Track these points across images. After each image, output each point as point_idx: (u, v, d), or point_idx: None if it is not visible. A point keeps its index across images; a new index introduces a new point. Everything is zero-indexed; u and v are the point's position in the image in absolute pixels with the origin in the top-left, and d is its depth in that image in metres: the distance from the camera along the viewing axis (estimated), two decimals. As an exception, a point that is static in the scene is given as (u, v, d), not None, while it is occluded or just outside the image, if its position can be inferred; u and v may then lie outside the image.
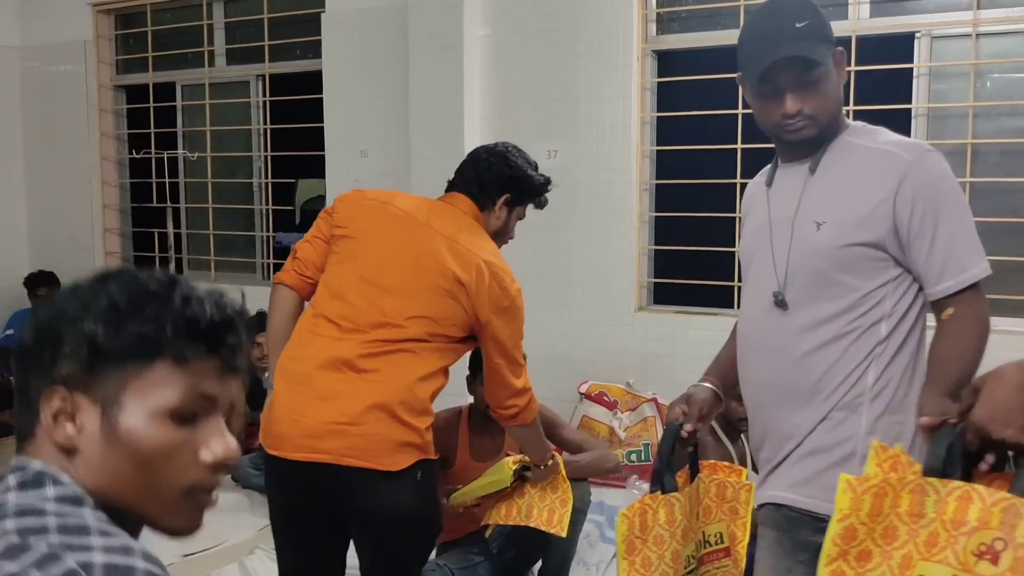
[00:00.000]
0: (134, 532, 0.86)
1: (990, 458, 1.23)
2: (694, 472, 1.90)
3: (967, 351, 1.58)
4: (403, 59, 4.42)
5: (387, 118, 4.62)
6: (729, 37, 3.91)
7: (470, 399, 3.05)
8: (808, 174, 1.75)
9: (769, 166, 1.87)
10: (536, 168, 2.37)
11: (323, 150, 4.87)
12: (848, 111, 3.67)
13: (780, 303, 1.74)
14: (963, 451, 1.26)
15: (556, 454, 2.60)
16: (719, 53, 3.90)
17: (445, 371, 2.17)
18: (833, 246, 1.67)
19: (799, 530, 1.68)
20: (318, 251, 2.24)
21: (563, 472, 2.57)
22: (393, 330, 2.07)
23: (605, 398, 4.09)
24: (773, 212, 1.79)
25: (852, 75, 3.70)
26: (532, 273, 4.32)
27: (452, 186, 2.32)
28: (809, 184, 1.74)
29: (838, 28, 3.74)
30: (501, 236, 2.34)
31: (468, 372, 2.99)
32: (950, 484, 1.22)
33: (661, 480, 1.81)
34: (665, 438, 1.86)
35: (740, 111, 3.85)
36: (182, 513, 0.88)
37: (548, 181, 2.38)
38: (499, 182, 2.27)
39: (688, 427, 1.84)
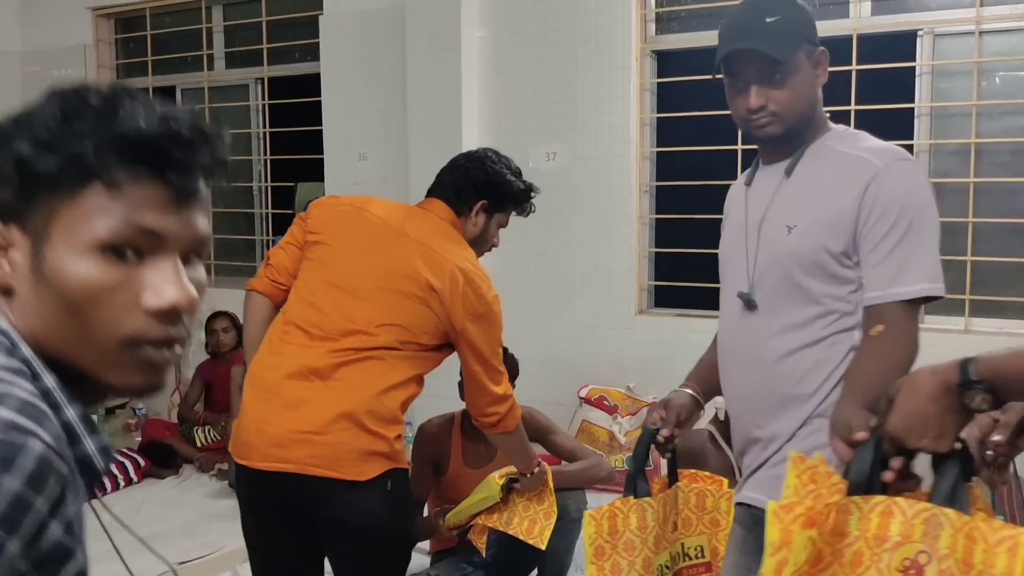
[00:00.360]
0: (92, 394, 0.77)
1: (895, 463, 1.19)
2: (672, 479, 1.87)
3: (890, 372, 1.48)
4: (401, 61, 4.40)
5: (386, 121, 4.59)
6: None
7: (463, 405, 3.02)
8: (784, 177, 1.72)
9: (751, 167, 1.85)
10: (518, 175, 2.32)
11: (322, 153, 4.85)
12: (850, 111, 3.63)
13: (748, 304, 1.72)
14: (883, 462, 1.22)
15: (544, 463, 2.56)
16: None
17: (418, 380, 2.14)
18: (802, 251, 1.64)
19: (764, 530, 1.67)
20: (291, 257, 2.22)
21: (551, 485, 2.53)
22: (363, 338, 2.04)
23: (605, 402, 4.05)
24: (749, 214, 1.77)
25: (854, 74, 3.65)
26: (531, 276, 4.30)
27: (430, 192, 2.29)
28: (784, 187, 1.71)
29: (839, 27, 3.72)
30: (480, 243, 2.30)
31: (460, 378, 2.95)
32: (872, 500, 1.17)
33: (634, 485, 1.78)
34: (640, 443, 1.83)
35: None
36: (126, 369, 0.75)
37: (530, 188, 2.33)
38: (475, 188, 2.23)
39: (664, 432, 1.81)
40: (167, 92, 5.61)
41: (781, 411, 1.68)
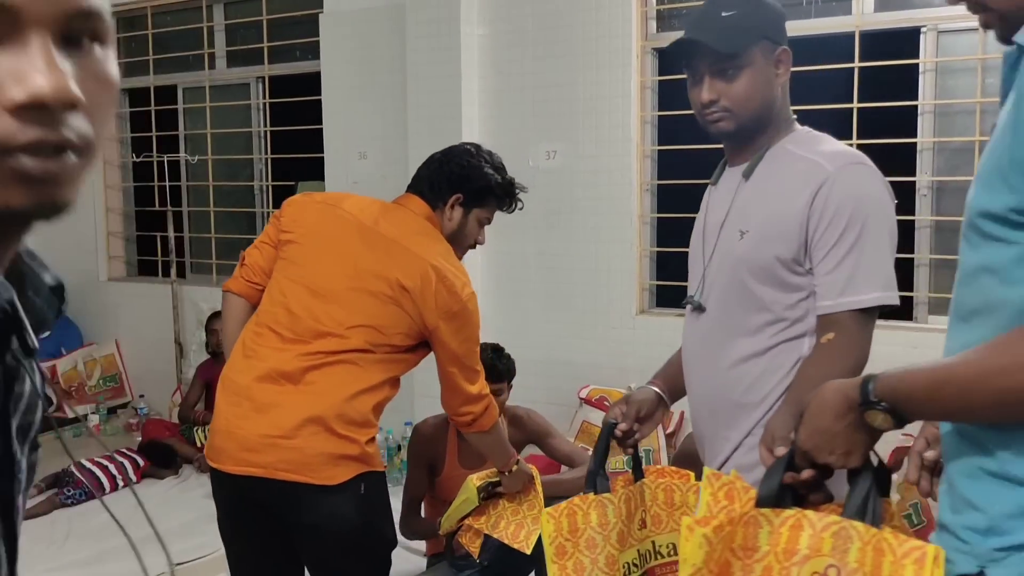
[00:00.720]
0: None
1: (804, 475, 1.18)
2: (638, 475, 1.84)
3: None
4: (401, 59, 4.38)
5: (385, 119, 4.57)
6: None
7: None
8: (743, 179, 1.69)
9: (719, 167, 1.83)
10: (499, 169, 2.26)
11: (323, 152, 4.84)
12: (852, 108, 3.60)
13: (697, 308, 1.71)
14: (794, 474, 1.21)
15: (523, 460, 2.53)
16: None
17: (392, 382, 2.11)
18: (752, 257, 1.62)
19: None
20: (265, 256, 2.19)
21: (539, 490, 2.50)
22: (334, 340, 2.01)
23: (606, 403, 4.01)
24: (710, 215, 1.76)
25: (856, 71, 3.61)
26: (531, 276, 4.27)
27: (409, 188, 2.25)
28: (742, 189, 1.69)
29: (842, 23, 3.68)
30: (459, 239, 2.24)
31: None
32: (783, 513, 1.15)
33: (594, 481, 1.76)
34: (600, 438, 1.82)
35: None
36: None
37: (510, 183, 2.27)
38: (449, 181, 2.19)
39: (622, 427, 1.79)
40: (168, 91, 5.61)
41: (733, 418, 1.67)
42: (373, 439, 2.07)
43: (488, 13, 4.24)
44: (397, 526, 3.02)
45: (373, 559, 2.16)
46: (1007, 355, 0.93)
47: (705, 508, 1.25)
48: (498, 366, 2.89)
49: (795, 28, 3.73)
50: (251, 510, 2.07)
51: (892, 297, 1.57)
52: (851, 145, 3.58)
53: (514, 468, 2.45)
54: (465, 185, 2.19)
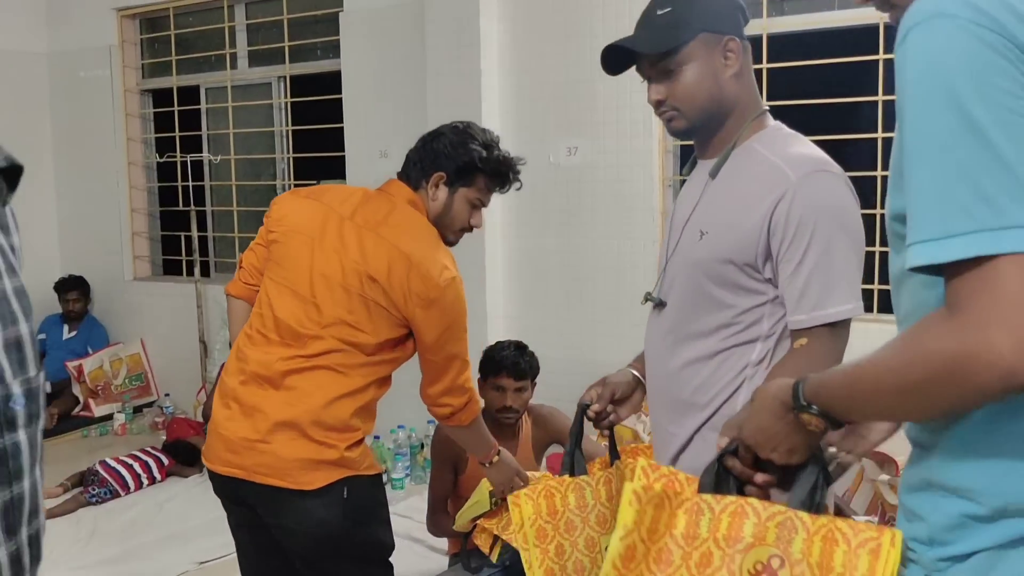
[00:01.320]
0: None
1: (759, 478, 1.18)
2: (614, 457, 1.84)
3: None
4: (421, 57, 4.37)
5: (406, 117, 4.57)
6: (751, 27, 3.79)
7: (481, 403, 2.98)
8: (709, 178, 1.67)
9: (690, 161, 1.81)
10: (489, 146, 2.10)
11: (344, 151, 4.84)
12: (878, 100, 3.55)
13: (656, 304, 1.71)
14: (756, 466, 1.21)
15: (505, 451, 2.40)
16: (742, 44, 3.79)
17: (379, 383, 2.06)
18: (709, 259, 1.60)
19: None
20: (260, 257, 2.19)
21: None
22: (315, 342, 1.99)
23: (629, 400, 4.00)
24: (678, 211, 1.74)
25: (881, 63, 3.56)
26: (552, 272, 4.26)
27: (398, 174, 2.18)
28: (708, 189, 1.67)
29: (864, 16, 3.63)
30: (446, 222, 2.11)
31: (479, 375, 2.92)
32: (724, 500, 1.13)
33: (571, 463, 1.75)
34: (575, 420, 1.82)
35: (765, 104, 3.73)
36: None
37: (499, 159, 2.10)
38: (432, 159, 2.09)
39: (596, 408, 1.78)
40: (191, 91, 5.64)
41: (680, 415, 1.67)
42: (358, 443, 2.03)
43: (507, 9, 4.23)
44: (425, 523, 3.02)
45: (366, 564, 2.13)
46: (908, 350, 0.91)
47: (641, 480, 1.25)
48: (521, 364, 2.88)
49: (818, 21, 3.71)
50: (243, 509, 2.09)
51: (861, 308, 1.57)
52: (880, 139, 3.56)
53: (495, 459, 2.32)
54: (448, 162, 2.07)
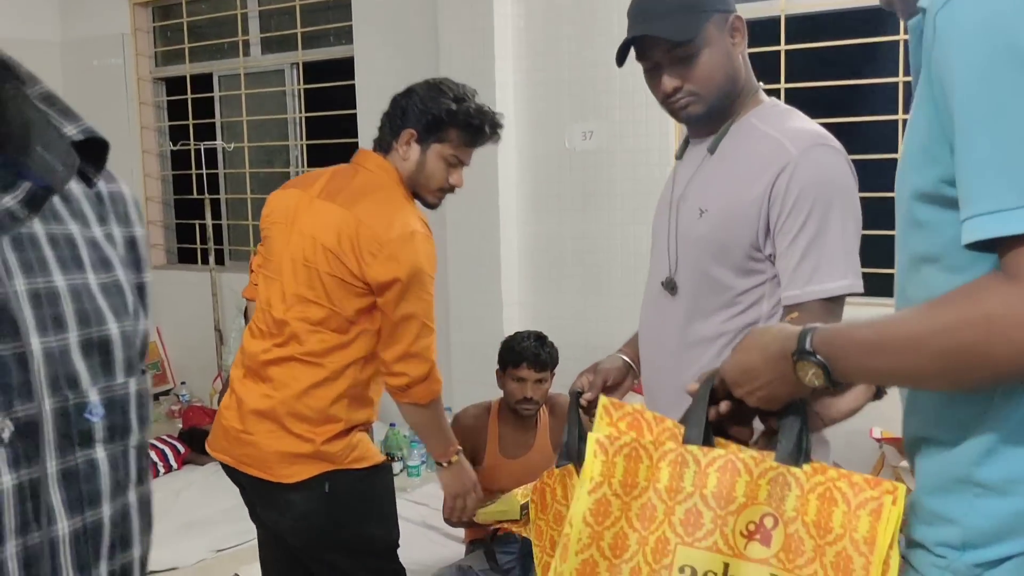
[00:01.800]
0: None
1: (723, 406, 1.12)
2: None
3: None
4: (434, 42, 4.33)
5: (420, 103, 4.54)
6: (770, 8, 3.74)
7: (500, 393, 2.96)
8: (707, 154, 1.62)
9: (682, 140, 1.76)
10: (462, 99, 1.99)
11: (357, 137, 4.82)
12: (898, 82, 3.48)
13: (670, 288, 1.65)
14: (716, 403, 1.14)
15: (462, 455, 2.25)
16: (758, 25, 3.72)
17: (358, 365, 1.98)
18: (709, 238, 1.56)
19: None
20: (262, 257, 2.22)
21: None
22: (287, 328, 1.97)
23: (646, 387, 3.96)
24: (674, 190, 1.69)
25: (901, 44, 3.49)
26: (568, 259, 4.22)
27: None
28: (705, 165, 1.63)
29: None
30: (422, 181, 2.02)
31: (498, 367, 2.90)
32: (711, 453, 1.07)
33: (576, 453, 1.72)
34: (569, 409, 1.75)
35: (783, 85, 3.68)
36: None
37: (469, 111, 1.98)
38: (400, 116, 2.00)
39: (588, 396, 1.72)
40: (204, 79, 5.62)
41: (675, 403, 1.63)
42: (340, 435, 1.96)
43: (522, -7, 4.18)
44: (442, 513, 2.99)
45: (363, 555, 2.08)
46: (952, 312, 0.85)
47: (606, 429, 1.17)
48: (542, 355, 2.84)
49: (835, 2, 3.65)
50: (247, 495, 2.15)
51: (858, 285, 1.51)
52: (900, 120, 3.50)
53: (453, 459, 2.15)
54: (419, 118, 1.97)
